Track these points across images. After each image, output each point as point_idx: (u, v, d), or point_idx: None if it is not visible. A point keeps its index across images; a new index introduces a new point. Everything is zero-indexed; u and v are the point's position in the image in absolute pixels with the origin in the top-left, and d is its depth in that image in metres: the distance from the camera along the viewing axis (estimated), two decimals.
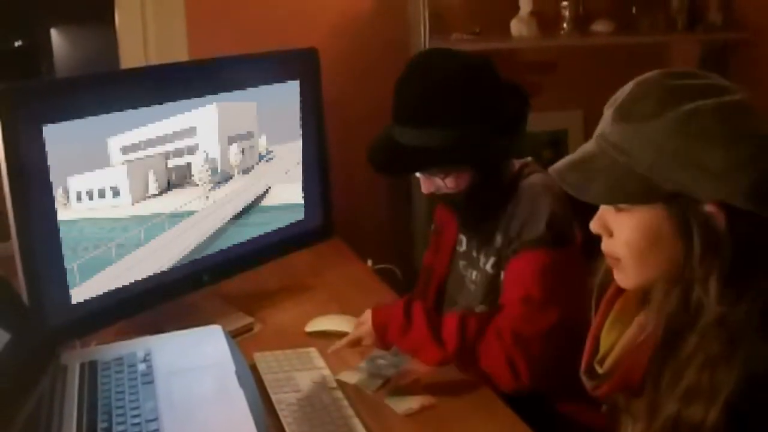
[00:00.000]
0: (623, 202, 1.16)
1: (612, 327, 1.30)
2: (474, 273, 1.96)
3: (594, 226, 1.22)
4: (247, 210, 2.15)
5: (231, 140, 2.07)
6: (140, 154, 1.87)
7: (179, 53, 2.61)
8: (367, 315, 1.80)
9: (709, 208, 1.08)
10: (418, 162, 1.82)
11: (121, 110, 1.82)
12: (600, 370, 1.28)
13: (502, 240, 1.85)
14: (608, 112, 1.17)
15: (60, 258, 1.74)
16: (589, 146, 1.20)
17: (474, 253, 1.96)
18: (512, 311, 1.73)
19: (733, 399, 1.05)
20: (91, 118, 1.76)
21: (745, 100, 1.10)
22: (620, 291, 1.30)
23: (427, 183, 1.85)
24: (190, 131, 1.97)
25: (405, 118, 1.82)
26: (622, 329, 1.28)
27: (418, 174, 1.87)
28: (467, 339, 1.71)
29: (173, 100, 1.93)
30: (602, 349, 1.29)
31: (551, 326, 1.69)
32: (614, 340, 1.28)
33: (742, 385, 1.05)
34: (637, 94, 1.13)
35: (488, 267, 1.90)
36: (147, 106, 1.87)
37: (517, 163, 1.90)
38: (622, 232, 1.18)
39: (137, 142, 1.86)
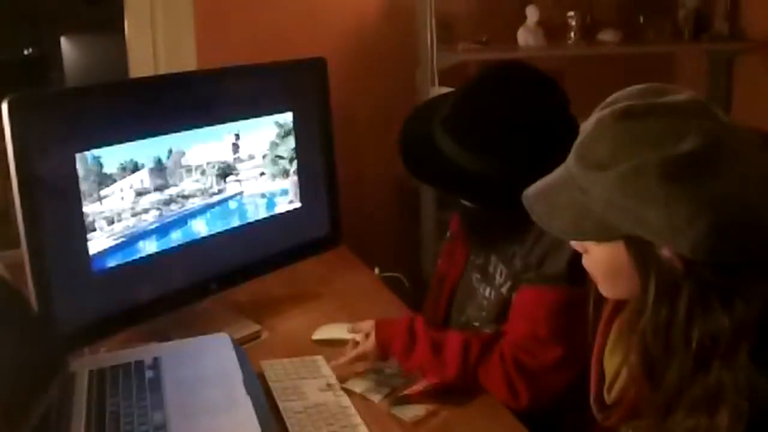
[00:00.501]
0: (583, 239, 1.19)
1: (613, 351, 1.29)
2: (488, 290, 1.91)
3: (574, 243, 1.24)
4: (254, 218, 2.16)
5: (240, 159, 2.08)
6: (158, 178, 1.89)
7: (188, 63, 2.62)
8: (371, 328, 1.81)
9: (665, 251, 1.07)
10: (469, 190, 1.78)
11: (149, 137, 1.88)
12: (608, 400, 1.28)
13: (521, 265, 1.79)
14: (576, 143, 1.16)
15: (69, 266, 1.75)
16: (557, 176, 1.20)
17: (491, 269, 1.91)
18: (517, 341, 1.72)
19: None
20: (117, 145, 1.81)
21: (698, 149, 1.04)
22: (616, 311, 1.30)
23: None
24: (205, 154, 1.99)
25: (465, 140, 1.75)
26: (622, 353, 1.26)
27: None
28: (468, 363, 1.72)
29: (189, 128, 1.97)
30: (608, 375, 1.29)
31: (555, 361, 1.68)
32: (617, 364, 1.27)
33: (752, 423, 1.05)
34: (594, 134, 1.11)
35: (504, 290, 1.84)
36: (164, 133, 1.92)
37: None
38: (592, 257, 1.21)
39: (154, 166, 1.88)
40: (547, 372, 1.68)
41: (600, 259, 1.18)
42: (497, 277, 1.88)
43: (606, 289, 1.23)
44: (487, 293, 1.91)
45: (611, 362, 1.28)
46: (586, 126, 1.15)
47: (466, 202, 1.85)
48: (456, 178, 1.76)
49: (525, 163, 1.65)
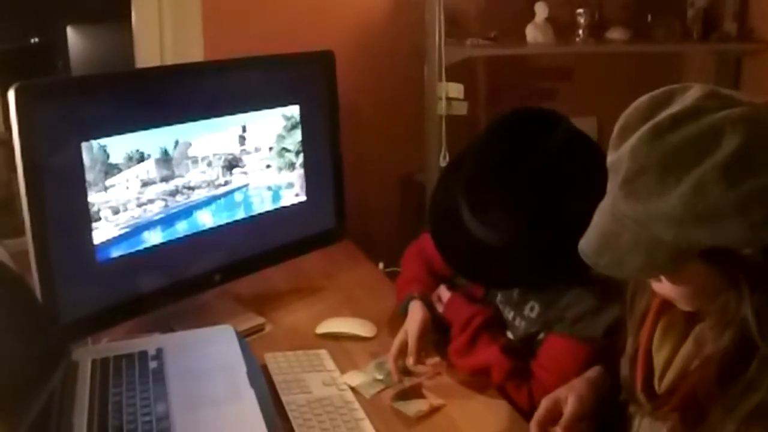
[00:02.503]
0: (661, 274, 1.16)
1: (662, 342, 1.29)
2: (517, 319, 1.84)
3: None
4: (260, 210, 2.15)
5: (246, 151, 2.08)
6: (167, 167, 1.88)
7: (195, 53, 2.61)
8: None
9: (746, 250, 1.07)
10: (502, 275, 1.75)
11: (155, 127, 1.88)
12: (659, 389, 1.27)
13: (554, 315, 1.73)
14: (614, 180, 1.13)
15: (73, 255, 1.75)
16: (607, 222, 1.16)
17: (515, 296, 1.85)
18: (545, 388, 1.65)
19: None
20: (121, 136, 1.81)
21: (742, 142, 1.03)
22: (665, 305, 1.29)
23: None
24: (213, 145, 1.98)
25: (493, 223, 1.69)
26: (673, 343, 1.28)
27: None
28: (499, 383, 1.75)
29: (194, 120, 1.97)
30: (657, 366, 1.29)
31: None
32: (667, 355, 1.28)
33: None
34: (635, 167, 1.08)
35: (533, 329, 1.79)
36: (171, 124, 1.92)
37: None
38: (666, 284, 1.18)
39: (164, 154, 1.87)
40: None
41: (679, 282, 1.16)
42: (527, 310, 1.82)
43: (686, 305, 1.22)
44: (516, 322, 1.84)
45: (661, 353, 1.29)
46: (617, 163, 1.12)
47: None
48: (488, 264, 1.73)
49: (563, 223, 1.55)
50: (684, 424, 1.24)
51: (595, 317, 1.65)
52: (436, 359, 1.84)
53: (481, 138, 1.78)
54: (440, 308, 1.91)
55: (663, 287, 1.20)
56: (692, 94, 1.12)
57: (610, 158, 1.14)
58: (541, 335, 1.76)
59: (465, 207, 1.73)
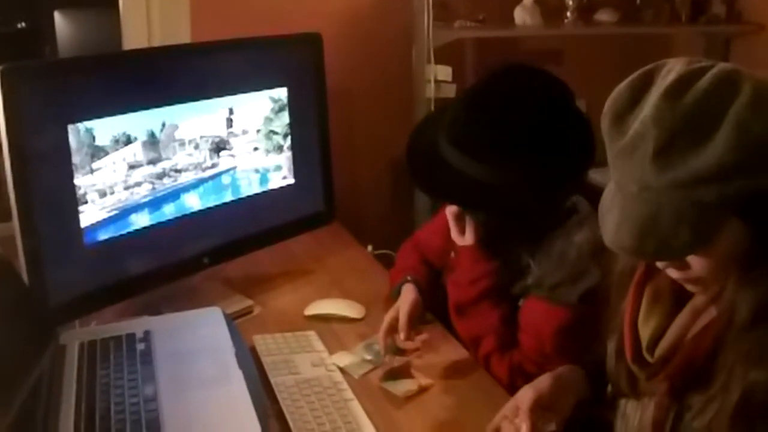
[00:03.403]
0: (712, 239, 1.11)
1: (649, 314, 1.29)
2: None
3: (661, 265, 1.22)
4: (248, 193, 2.15)
5: (234, 133, 2.07)
6: (154, 149, 1.88)
7: (182, 36, 2.60)
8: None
9: None
10: (484, 202, 1.72)
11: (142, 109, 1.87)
12: (651, 359, 1.28)
13: (533, 281, 1.77)
14: (633, 161, 1.10)
15: (60, 238, 1.74)
16: (638, 208, 1.11)
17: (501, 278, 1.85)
18: (525, 352, 1.75)
19: None
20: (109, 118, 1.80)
21: (759, 84, 1.06)
22: (647, 277, 1.30)
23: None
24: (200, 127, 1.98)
25: (477, 153, 1.68)
26: (661, 315, 1.28)
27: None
28: (487, 353, 1.80)
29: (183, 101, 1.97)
30: (644, 337, 1.29)
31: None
32: (656, 326, 1.28)
33: None
34: (664, 134, 1.06)
35: (513, 291, 1.82)
36: (158, 107, 1.91)
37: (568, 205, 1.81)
38: (701, 263, 1.15)
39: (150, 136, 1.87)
40: None
41: (715, 257, 1.13)
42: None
43: (710, 283, 1.19)
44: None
45: (648, 324, 1.29)
46: (635, 140, 1.09)
47: (480, 215, 1.80)
48: (469, 191, 1.69)
49: (540, 166, 1.64)
50: (672, 397, 1.25)
51: (571, 285, 1.69)
52: (425, 336, 1.85)
53: (471, 85, 1.79)
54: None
55: (692, 271, 1.17)
56: (674, 64, 1.12)
57: (619, 144, 1.11)
58: (521, 301, 1.80)
59: (445, 140, 1.72)
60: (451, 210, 1.83)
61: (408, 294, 1.92)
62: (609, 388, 1.44)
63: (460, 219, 1.83)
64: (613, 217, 1.14)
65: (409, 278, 1.98)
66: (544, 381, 1.47)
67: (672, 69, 1.10)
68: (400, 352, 1.83)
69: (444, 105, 1.96)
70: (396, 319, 1.84)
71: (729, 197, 1.05)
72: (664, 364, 1.25)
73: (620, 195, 1.14)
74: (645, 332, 1.29)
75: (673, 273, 1.20)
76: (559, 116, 1.68)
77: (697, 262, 1.15)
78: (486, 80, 1.76)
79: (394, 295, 1.96)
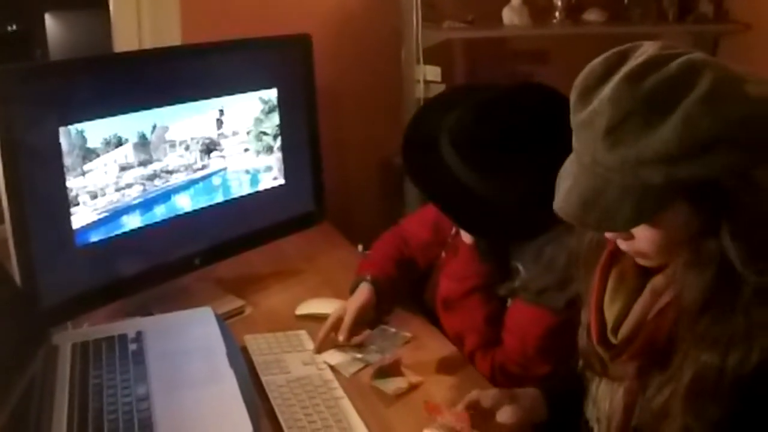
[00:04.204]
0: (654, 216, 1.14)
1: (614, 296, 1.31)
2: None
3: (610, 236, 1.24)
4: (238, 194, 2.16)
5: (224, 134, 2.08)
6: (143, 151, 1.89)
7: (173, 38, 2.61)
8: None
9: (729, 182, 1.08)
10: (472, 213, 1.70)
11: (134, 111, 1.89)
12: (614, 340, 1.29)
13: (520, 284, 1.78)
14: (589, 134, 1.12)
15: (52, 240, 1.75)
16: (588, 180, 1.15)
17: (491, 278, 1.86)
18: (508, 353, 1.77)
19: None
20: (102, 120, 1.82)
21: (719, 75, 1.07)
22: (613, 259, 1.32)
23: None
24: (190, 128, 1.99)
25: (476, 163, 1.67)
26: (625, 296, 1.30)
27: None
28: (471, 350, 1.83)
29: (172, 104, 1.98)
30: (609, 318, 1.31)
31: (542, 377, 1.71)
32: (620, 308, 1.30)
33: None
34: (618, 114, 1.08)
35: (500, 292, 1.83)
36: (148, 108, 1.92)
37: None
38: (644, 236, 1.18)
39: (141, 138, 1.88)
40: (533, 382, 1.67)
41: (658, 232, 1.17)
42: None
43: (657, 259, 1.23)
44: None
45: (613, 306, 1.31)
46: (592, 116, 1.11)
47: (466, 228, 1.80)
48: (460, 199, 1.68)
49: (539, 189, 1.48)
50: (640, 380, 1.28)
51: (559, 291, 1.68)
52: (362, 337, 1.89)
53: (486, 91, 1.75)
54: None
55: (636, 243, 1.21)
56: (648, 47, 1.14)
57: (579, 117, 1.14)
58: (509, 302, 1.81)
59: (447, 139, 1.70)
60: None
61: (360, 295, 1.93)
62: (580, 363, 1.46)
63: None
64: (566, 184, 1.18)
65: (368, 278, 1.97)
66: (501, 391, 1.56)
67: (645, 52, 1.12)
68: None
69: (452, 92, 1.96)
70: (341, 320, 1.86)
71: (676, 181, 1.08)
72: (627, 345, 1.27)
73: (576, 164, 1.18)
74: (610, 314, 1.31)
75: (621, 244, 1.24)
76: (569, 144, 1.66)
77: (642, 236, 1.18)
78: (502, 91, 1.72)
79: (352, 290, 1.98)
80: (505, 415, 1.51)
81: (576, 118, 1.15)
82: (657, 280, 1.25)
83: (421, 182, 1.76)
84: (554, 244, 1.71)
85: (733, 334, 1.12)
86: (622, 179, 1.11)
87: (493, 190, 1.66)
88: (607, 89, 1.10)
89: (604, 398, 1.40)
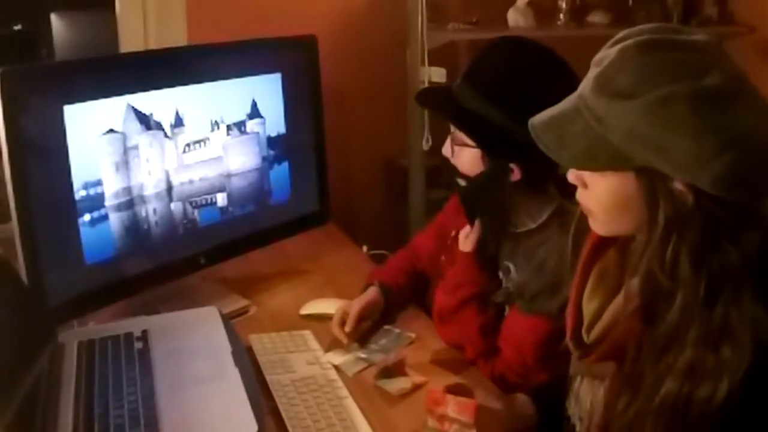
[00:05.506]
0: (593, 170, 1.18)
1: (593, 293, 1.31)
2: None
3: (571, 176, 1.24)
4: (244, 194, 2.17)
5: (227, 127, 2.09)
6: (144, 137, 1.89)
7: (179, 39, 2.62)
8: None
9: (677, 185, 1.09)
10: (468, 125, 1.75)
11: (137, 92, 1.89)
12: (587, 339, 1.30)
13: (514, 287, 1.81)
14: (592, 72, 1.15)
15: (59, 239, 1.76)
16: (569, 104, 1.19)
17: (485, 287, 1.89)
18: (506, 363, 1.79)
19: (749, 372, 1.07)
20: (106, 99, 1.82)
21: (723, 84, 1.06)
22: (595, 253, 1.32)
23: (454, 147, 1.80)
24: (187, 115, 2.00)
25: (478, 84, 1.75)
26: (603, 295, 1.29)
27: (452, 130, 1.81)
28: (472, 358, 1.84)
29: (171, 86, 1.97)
30: (586, 316, 1.31)
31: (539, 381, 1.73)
32: (597, 306, 1.29)
33: (754, 357, 1.07)
34: (618, 64, 1.11)
35: (497, 299, 1.85)
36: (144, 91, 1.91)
37: (554, 204, 1.79)
38: (594, 190, 1.20)
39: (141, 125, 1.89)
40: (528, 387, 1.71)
41: (605, 191, 1.18)
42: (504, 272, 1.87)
43: (603, 224, 1.23)
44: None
45: (591, 304, 1.31)
46: (603, 58, 1.14)
47: (471, 142, 1.78)
48: (463, 114, 1.75)
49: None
50: (618, 381, 1.26)
51: (550, 295, 1.70)
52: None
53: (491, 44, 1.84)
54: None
55: (586, 195, 1.22)
56: (700, 35, 1.14)
57: (598, 56, 1.16)
58: (507, 309, 1.83)
59: (459, 80, 1.78)
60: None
61: (368, 293, 2.00)
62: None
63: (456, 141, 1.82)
64: (555, 106, 1.21)
65: (376, 282, 2.04)
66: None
67: (696, 35, 1.13)
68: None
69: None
70: (347, 313, 1.91)
71: (629, 152, 1.09)
72: (596, 345, 1.28)
73: (575, 92, 1.20)
74: (588, 311, 1.31)
75: (579, 194, 1.24)
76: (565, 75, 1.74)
77: (593, 190, 1.20)
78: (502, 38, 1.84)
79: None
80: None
81: (596, 57, 1.17)
82: (632, 284, 1.23)
83: (428, 103, 1.94)
84: (547, 246, 1.74)
85: (699, 364, 1.11)
86: (591, 122, 1.13)
87: (501, 115, 1.70)
88: (630, 41, 1.12)
89: (586, 396, 1.39)
